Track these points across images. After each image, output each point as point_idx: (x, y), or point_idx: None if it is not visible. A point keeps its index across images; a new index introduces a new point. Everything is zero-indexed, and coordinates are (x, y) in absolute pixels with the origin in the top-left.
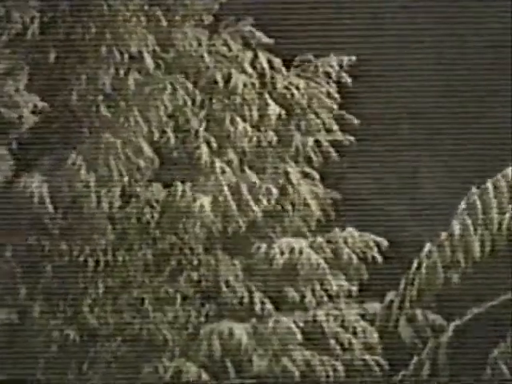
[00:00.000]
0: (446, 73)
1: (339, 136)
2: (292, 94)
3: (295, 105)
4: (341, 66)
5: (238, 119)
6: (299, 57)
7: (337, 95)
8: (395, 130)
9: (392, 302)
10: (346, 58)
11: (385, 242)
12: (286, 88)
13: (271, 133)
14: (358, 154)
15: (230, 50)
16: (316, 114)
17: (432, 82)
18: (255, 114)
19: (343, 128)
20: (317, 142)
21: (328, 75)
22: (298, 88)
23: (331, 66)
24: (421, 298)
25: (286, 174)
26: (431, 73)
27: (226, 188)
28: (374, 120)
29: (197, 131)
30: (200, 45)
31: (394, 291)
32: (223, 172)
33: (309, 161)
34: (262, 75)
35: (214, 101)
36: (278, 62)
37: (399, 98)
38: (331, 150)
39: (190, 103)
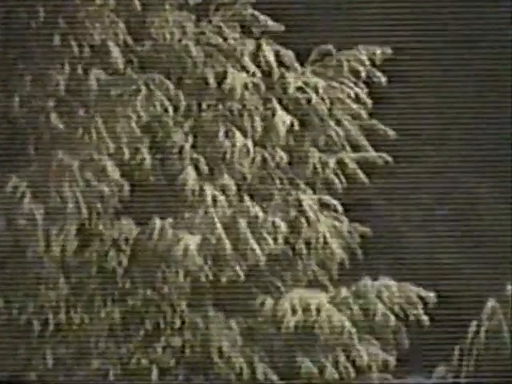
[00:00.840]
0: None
1: (370, 154)
2: (308, 100)
3: (312, 112)
4: (372, 62)
5: (236, 132)
6: (317, 49)
7: (367, 100)
8: (444, 145)
9: (443, 378)
10: (378, 51)
11: (432, 297)
12: (300, 90)
13: (279, 150)
14: (394, 178)
15: (224, 39)
16: (339, 124)
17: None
18: (259, 125)
19: (375, 143)
20: (340, 162)
21: (356, 73)
22: (315, 90)
23: (360, 62)
24: (481, 374)
25: (299, 203)
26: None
27: (218, 224)
28: (416, 132)
29: (181, 149)
30: (184, 33)
31: (446, 363)
32: (215, 202)
33: (329, 187)
34: (267, 73)
35: (203, 107)
36: (289, 55)
37: (448, 102)
38: (359, 172)
39: (171, 111)
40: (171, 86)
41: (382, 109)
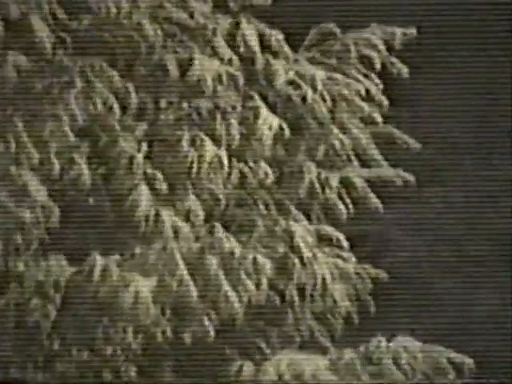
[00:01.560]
0: None
1: (385, 171)
2: (302, 97)
3: (308, 114)
4: (390, 47)
5: (206, 140)
6: (315, 29)
7: (382, 98)
8: (482, 159)
9: None
10: (399, 32)
11: (469, 363)
12: (292, 84)
13: (264, 164)
14: (416, 202)
15: (190, 15)
16: (345, 130)
17: None
18: (236, 130)
19: (392, 156)
20: (345, 180)
21: (367, 62)
22: (313, 84)
23: (373, 46)
24: None
25: (290, 235)
26: None
27: (181, 262)
28: (445, 142)
29: (131, 160)
30: (136, 5)
31: None
32: (177, 233)
33: (330, 214)
34: (248, 61)
35: (161, 106)
36: (277, 37)
37: (488, 101)
38: (370, 194)
39: (117, 110)
40: (116, 77)
41: (402, 111)
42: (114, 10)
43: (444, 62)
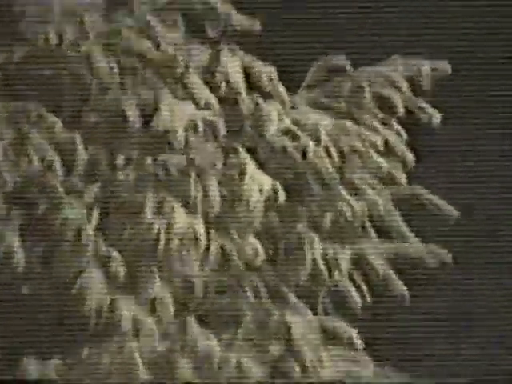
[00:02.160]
0: None
1: (413, 247)
2: (302, 150)
3: (309, 172)
4: (415, 87)
5: (176, 206)
6: (319, 63)
7: (407, 152)
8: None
9: None
10: (427, 67)
11: None
12: (289, 133)
13: (253, 238)
14: (455, 288)
15: (156, 45)
16: (357, 192)
17: None
18: (216, 193)
19: (422, 228)
20: (359, 258)
21: (387, 105)
22: (315, 134)
23: (394, 85)
24: None
25: (288, 332)
26: None
27: (142, 367)
28: (491, 208)
29: (78, 233)
30: (85, 33)
31: None
32: (138, 330)
33: (342, 304)
34: (231, 104)
35: (118, 163)
36: (270, 73)
37: None
38: (393, 278)
39: (59, 168)
40: (60, 126)
41: (432, 168)
42: (54, 39)
43: (484, 104)
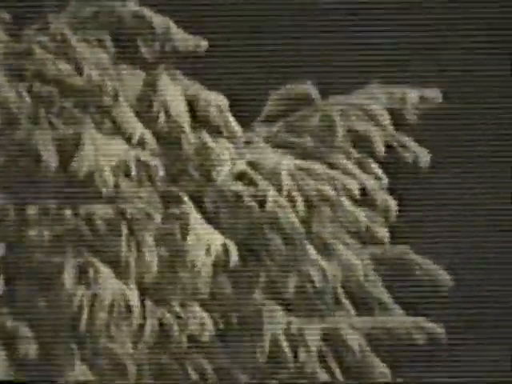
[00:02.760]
0: None
1: (398, 320)
2: (260, 201)
3: (267, 227)
4: (398, 120)
5: (103, 269)
6: (280, 91)
7: (389, 200)
8: None
9: None
10: (413, 95)
11: None
12: (244, 178)
13: (199, 309)
14: (449, 365)
15: (78, 69)
16: (329, 252)
17: None
18: (152, 254)
19: (408, 298)
20: (332, 335)
21: (364, 143)
22: (275, 178)
23: (372, 118)
24: None
25: None
26: None
27: None
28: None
29: None
30: None
31: None
32: None
33: None
34: (171, 141)
35: (30, 213)
36: (219, 103)
37: None
38: (373, 359)
39: None
40: None
41: (419, 219)
42: None
43: (481, 141)
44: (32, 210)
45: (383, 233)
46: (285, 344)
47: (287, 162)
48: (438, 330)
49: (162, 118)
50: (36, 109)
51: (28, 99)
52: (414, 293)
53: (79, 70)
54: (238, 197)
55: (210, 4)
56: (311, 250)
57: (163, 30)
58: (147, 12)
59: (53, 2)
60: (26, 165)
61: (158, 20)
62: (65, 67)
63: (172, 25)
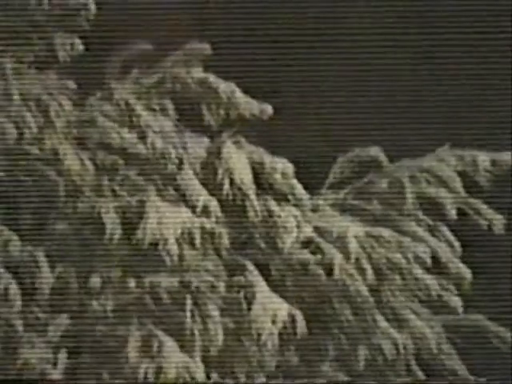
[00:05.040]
0: None
1: None
2: (327, 267)
3: (335, 296)
4: (470, 185)
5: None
6: (346, 156)
7: (463, 268)
8: None
9: None
10: (485, 158)
11: None
12: (310, 246)
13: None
14: None
15: (140, 137)
16: (400, 323)
17: None
18: (217, 326)
19: (485, 367)
20: None
21: (435, 208)
22: (343, 245)
23: (443, 183)
24: None
25: None
26: None
27: None
28: None
29: None
30: (50, 125)
31: None
32: None
33: None
34: (235, 209)
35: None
36: (284, 169)
37: None
38: None
39: None
40: (14, 238)
41: (494, 287)
42: (12, 133)
43: None
44: (95, 281)
45: (456, 301)
46: None
47: (355, 229)
48: None
49: (227, 185)
50: (99, 178)
51: (91, 168)
52: (489, 363)
53: (143, 138)
54: (304, 265)
55: (275, 68)
56: (381, 320)
57: (228, 96)
58: (212, 78)
59: (116, 70)
60: (89, 234)
61: (223, 86)
62: (128, 136)
63: (237, 90)
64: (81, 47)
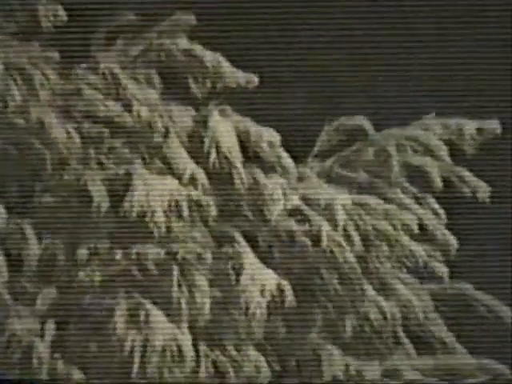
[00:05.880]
0: None
1: (464, 361)
2: (314, 236)
3: (323, 266)
4: (456, 153)
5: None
6: (332, 125)
7: (449, 236)
8: None
9: None
10: (471, 126)
11: None
12: (297, 215)
13: (254, 353)
14: None
15: (126, 107)
16: (386, 291)
17: None
18: (205, 298)
19: (473, 339)
20: (391, 375)
21: (421, 177)
22: (330, 214)
23: (429, 151)
24: None
25: None
26: None
27: None
28: None
29: None
30: (35, 95)
31: None
32: None
33: None
34: (222, 179)
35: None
36: (271, 139)
37: None
38: None
39: None
40: (1, 210)
41: (480, 254)
42: None
43: None
44: (82, 253)
45: (442, 269)
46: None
47: (342, 197)
48: (505, 370)
49: (214, 155)
50: (86, 149)
51: (77, 140)
52: (476, 331)
53: (128, 109)
54: (292, 234)
55: (260, 39)
56: (368, 289)
57: (214, 66)
58: (198, 48)
59: (101, 41)
60: (76, 206)
61: (209, 56)
62: (114, 106)
63: (223, 60)
64: (64, 17)
